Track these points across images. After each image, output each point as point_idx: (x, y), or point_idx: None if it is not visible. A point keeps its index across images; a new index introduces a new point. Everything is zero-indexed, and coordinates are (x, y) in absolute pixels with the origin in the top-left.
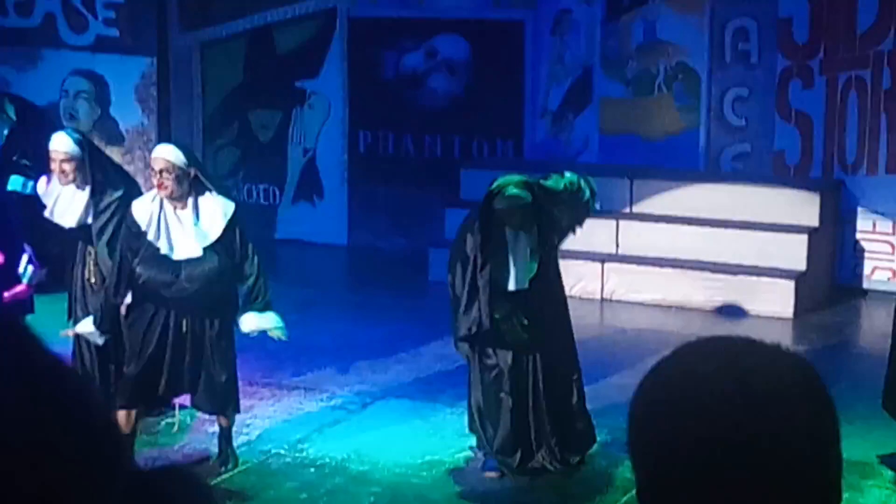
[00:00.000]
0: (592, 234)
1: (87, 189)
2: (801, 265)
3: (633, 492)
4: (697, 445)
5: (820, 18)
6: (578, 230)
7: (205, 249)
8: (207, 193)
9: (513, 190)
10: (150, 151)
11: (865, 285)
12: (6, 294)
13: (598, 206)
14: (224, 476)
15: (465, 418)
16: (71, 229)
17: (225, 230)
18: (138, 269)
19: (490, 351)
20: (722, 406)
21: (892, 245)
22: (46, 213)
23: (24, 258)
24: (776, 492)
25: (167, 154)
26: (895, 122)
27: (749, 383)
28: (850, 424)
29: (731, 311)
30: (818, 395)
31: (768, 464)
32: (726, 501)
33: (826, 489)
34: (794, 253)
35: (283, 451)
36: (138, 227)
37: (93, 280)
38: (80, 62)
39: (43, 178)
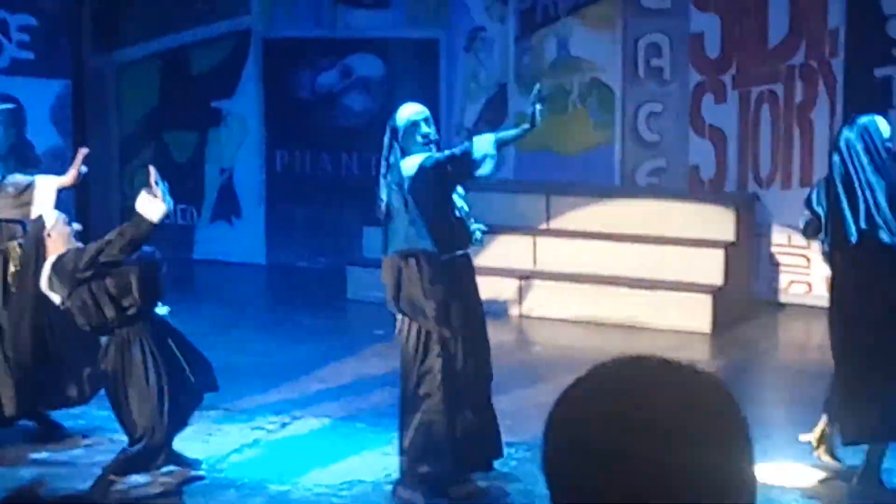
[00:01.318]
0: (509, 250)
1: None
2: (718, 280)
3: None
4: (610, 466)
5: (731, 33)
6: None
7: None
8: None
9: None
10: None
11: (782, 299)
12: None
13: None
14: (145, 496)
15: (404, 441)
16: None
17: None
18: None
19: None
20: (635, 427)
21: (808, 258)
22: None
23: None
24: None
25: None
26: (808, 136)
27: (662, 404)
28: (767, 438)
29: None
30: (732, 416)
31: (681, 485)
32: None
33: None
34: (710, 267)
35: (201, 472)
36: None
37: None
38: None
39: None
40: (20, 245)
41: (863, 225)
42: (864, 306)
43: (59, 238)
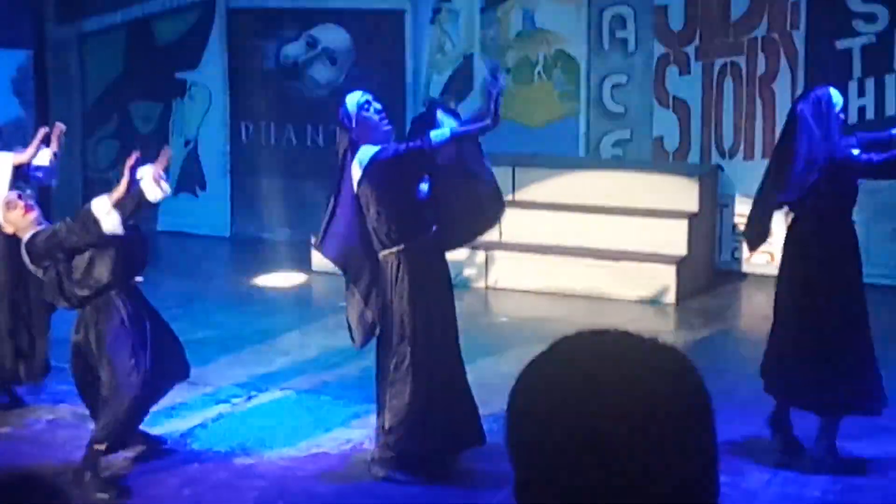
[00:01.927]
0: None
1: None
2: (682, 250)
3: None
4: (573, 440)
5: (695, 5)
6: None
7: None
8: None
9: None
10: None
11: (745, 269)
12: None
13: None
14: (106, 472)
15: (382, 420)
16: None
17: None
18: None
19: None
20: (597, 401)
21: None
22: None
23: None
24: (652, 484)
25: None
26: (770, 107)
27: (625, 378)
28: (730, 408)
29: None
30: (693, 389)
31: (643, 457)
32: (603, 496)
33: (702, 479)
34: (674, 238)
35: (166, 447)
36: None
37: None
38: None
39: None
40: None
41: (801, 193)
42: (793, 268)
43: (16, 217)
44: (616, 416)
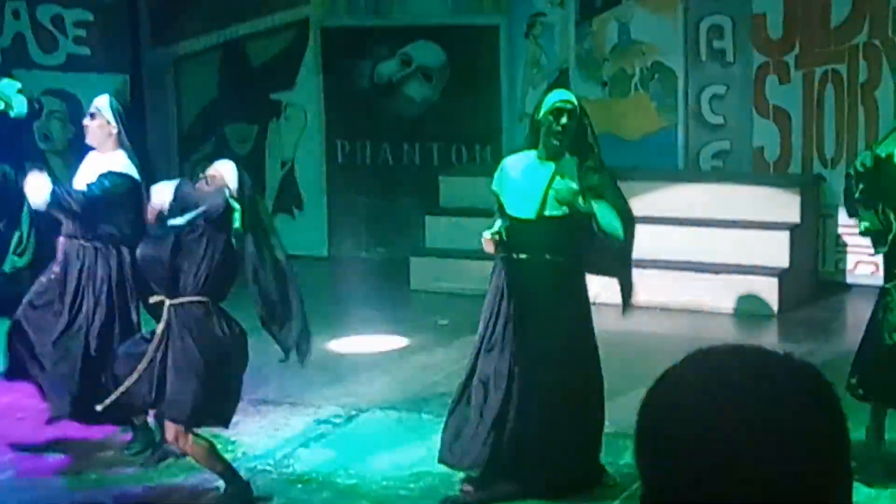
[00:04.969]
0: None
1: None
2: (784, 262)
3: (627, 493)
4: (705, 458)
5: (794, 13)
6: None
7: None
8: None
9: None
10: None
11: (849, 280)
12: None
13: None
14: (210, 494)
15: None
16: None
17: None
18: None
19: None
20: (731, 419)
21: None
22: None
23: None
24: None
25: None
26: (872, 116)
27: (760, 395)
28: None
29: None
30: (830, 408)
31: (777, 478)
32: None
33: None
34: (776, 250)
35: (269, 468)
36: None
37: None
38: (51, 82)
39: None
40: None
41: None
42: None
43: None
44: (751, 435)
